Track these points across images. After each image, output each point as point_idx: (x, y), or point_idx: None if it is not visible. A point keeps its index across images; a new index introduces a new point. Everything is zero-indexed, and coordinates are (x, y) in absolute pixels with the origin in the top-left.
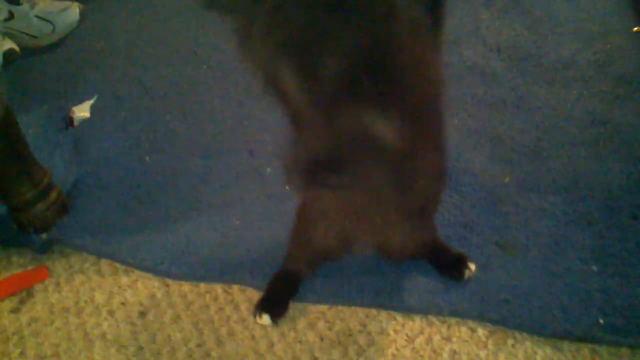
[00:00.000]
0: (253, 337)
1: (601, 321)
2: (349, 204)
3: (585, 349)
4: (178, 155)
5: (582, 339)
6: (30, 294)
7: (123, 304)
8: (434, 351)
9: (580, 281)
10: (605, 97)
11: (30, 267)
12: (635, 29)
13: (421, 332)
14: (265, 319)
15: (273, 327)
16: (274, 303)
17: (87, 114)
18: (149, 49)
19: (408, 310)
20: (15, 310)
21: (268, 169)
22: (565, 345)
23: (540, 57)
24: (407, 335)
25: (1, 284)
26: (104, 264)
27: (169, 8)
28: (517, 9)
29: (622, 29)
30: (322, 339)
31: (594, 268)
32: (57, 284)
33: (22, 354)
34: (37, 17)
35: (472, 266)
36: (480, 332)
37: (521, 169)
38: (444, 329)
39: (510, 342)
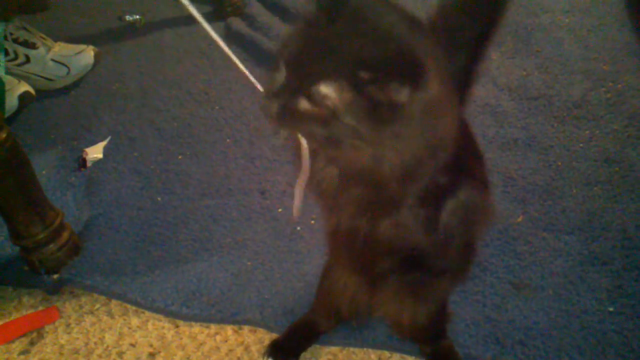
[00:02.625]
0: None
1: None
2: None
3: None
4: (189, 195)
5: None
6: (40, 335)
7: (133, 345)
8: None
9: (596, 322)
10: (617, 137)
11: (40, 308)
12: None
13: None
14: None
15: None
16: (284, 350)
17: (100, 155)
18: (162, 91)
19: (421, 352)
20: (25, 352)
21: (279, 209)
22: None
23: (551, 97)
24: None
25: (11, 325)
26: (115, 304)
27: (181, 50)
28: (527, 49)
29: (633, 68)
30: None
31: (611, 309)
32: (67, 325)
33: None
34: (53, 60)
35: None
36: None
37: (534, 208)
38: None
39: None
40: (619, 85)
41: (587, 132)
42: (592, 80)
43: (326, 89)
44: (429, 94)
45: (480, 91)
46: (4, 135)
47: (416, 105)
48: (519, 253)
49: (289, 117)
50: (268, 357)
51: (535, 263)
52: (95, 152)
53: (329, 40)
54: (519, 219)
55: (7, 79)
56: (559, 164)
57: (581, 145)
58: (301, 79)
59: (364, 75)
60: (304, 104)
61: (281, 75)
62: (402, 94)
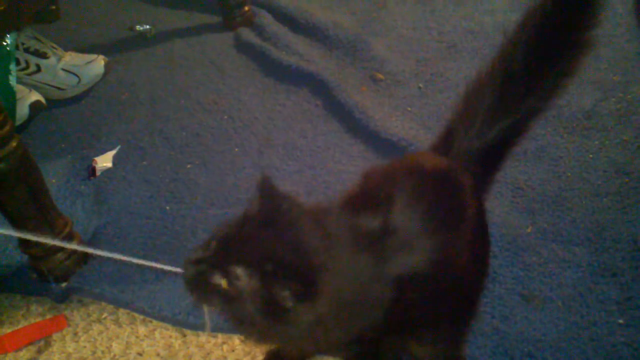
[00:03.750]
0: None
1: None
2: None
3: None
4: (198, 204)
5: None
6: (47, 344)
7: (140, 354)
8: None
9: (606, 334)
10: (627, 147)
11: (48, 316)
12: None
13: None
14: None
15: None
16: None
17: (109, 164)
18: (171, 100)
19: None
20: None
21: None
22: None
23: (561, 107)
24: None
25: (19, 333)
26: (122, 313)
27: (191, 60)
28: None
29: None
30: None
31: (620, 321)
32: (75, 334)
33: None
34: (63, 69)
35: None
36: None
37: (544, 219)
38: None
39: None
40: (629, 96)
41: (597, 142)
42: (602, 90)
43: (240, 272)
44: (317, 309)
45: None
46: (14, 144)
47: (302, 315)
48: (527, 264)
49: (201, 286)
50: None
51: (544, 274)
52: (104, 161)
53: (256, 235)
54: (528, 230)
55: (18, 88)
56: (569, 174)
57: (591, 156)
58: (223, 257)
59: (268, 268)
60: (217, 279)
61: (208, 249)
62: (287, 300)
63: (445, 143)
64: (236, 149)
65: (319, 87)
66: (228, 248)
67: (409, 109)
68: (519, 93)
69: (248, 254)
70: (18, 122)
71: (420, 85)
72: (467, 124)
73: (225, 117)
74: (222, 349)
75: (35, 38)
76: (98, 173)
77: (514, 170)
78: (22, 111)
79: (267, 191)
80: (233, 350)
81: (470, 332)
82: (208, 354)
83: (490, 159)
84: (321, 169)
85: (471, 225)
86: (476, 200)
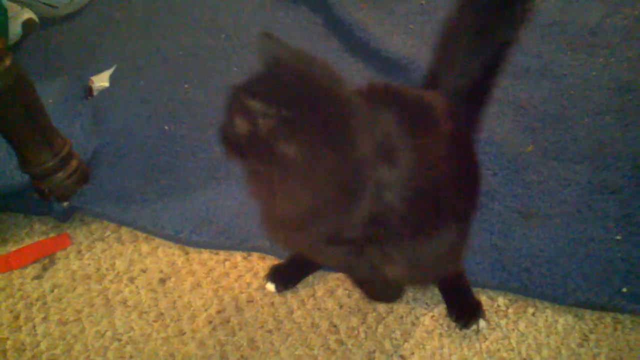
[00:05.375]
0: (272, 303)
1: (624, 290)
2: None
3: (608, 318)
4: (197, 124)
5: (604, 308)
6: (52, 261)
7: (143, 271)
8: None
9: (603, 250)
10: (632, 65)
11: (52, 235)
12: None
13: (440, 301)
14: (270, 287)
15: (282, 294)
16: (284, 276)
17: (106, 84)
18: (168, 18)
19: None
20: (38, 277)
21: None
22: (587, 314)
23: (565, 24)
24: (426, 303)
25: (24, 251)
26: (125, 232)
27: None
28: None
29: None
30: (341, 306)
31: (618, 237)
32: (79, 252)
33: (45, 319)
34: None
35: (483, 324)
36: (501, 301)
37: (545, 137)
38: None
39: (530, 310)
40: (636, 12)
41: (601, 59)
42: (609, 6)
43: (255, 104)
44: (305, 149)
45: None
46: (8, 62)
47: (293, 155)
48: (527, 182)
49: (228, 138)
50: (267, 281)
51: (544, 192)
52: (101, 81)
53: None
54: (529, 148)
55: (10, 5)
56: (571, 92)
57: (594, 73)
58: (237, 99)
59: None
60: (238, 121)
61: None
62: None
63: (431, 87)
64: (234, 68)
65: (318, 4)
66: (239, 93)
67: (411, 26)
68: (492, 25)
69: (257, 90)
70: (11, 41)
71: (422, 1)
72: (448, 64)
73: (223, 35)
74: (224, 266)
75: None
76: (95, 93)
77: (516, 89)
78: (15, 30)
79: (270, 45)
80: (235, 267)
81: (467, 247)
82: (210, 270)
83: (477, 93)
84: None
85: (447, 142)
86: (455, 123)
